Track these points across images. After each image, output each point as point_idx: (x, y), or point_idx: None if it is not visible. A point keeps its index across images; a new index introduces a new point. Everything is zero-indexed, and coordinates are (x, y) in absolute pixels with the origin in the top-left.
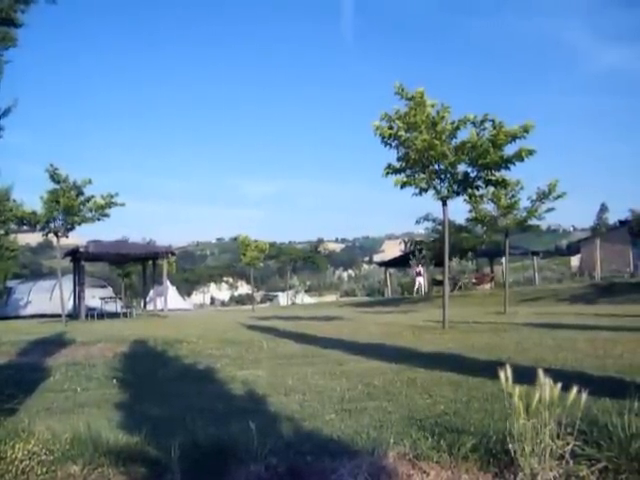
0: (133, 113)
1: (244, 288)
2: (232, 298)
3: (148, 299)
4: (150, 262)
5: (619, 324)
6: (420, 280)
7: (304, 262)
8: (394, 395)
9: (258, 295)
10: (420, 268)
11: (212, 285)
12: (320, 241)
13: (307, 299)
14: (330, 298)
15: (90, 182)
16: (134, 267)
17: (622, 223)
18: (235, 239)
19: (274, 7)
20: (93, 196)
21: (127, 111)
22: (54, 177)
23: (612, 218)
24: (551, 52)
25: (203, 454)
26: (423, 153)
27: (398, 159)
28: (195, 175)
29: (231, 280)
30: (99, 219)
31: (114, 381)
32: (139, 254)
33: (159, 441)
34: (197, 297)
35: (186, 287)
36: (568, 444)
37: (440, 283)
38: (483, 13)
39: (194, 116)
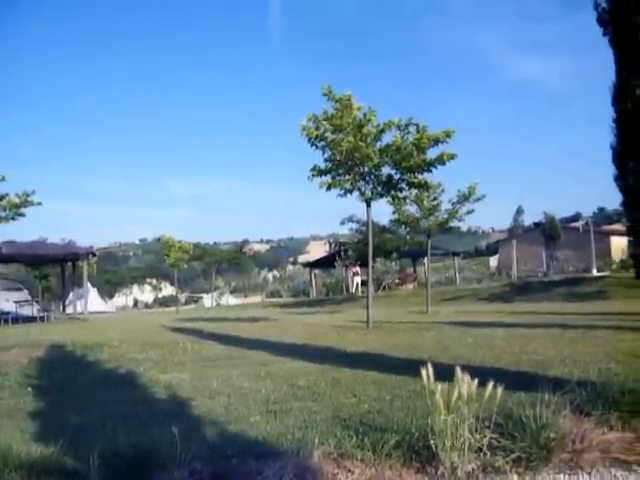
0: (53, 109)
1: (168, 290)
2: (156, 300)
3: (67, 302)
4: (69, 263)
5: (533, 321)
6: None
7: (229, 263)
8: (319, 395)
9: (182, 297)
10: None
11: (135, 287)
12: (245, 242)
13: (232, 300)
14: (255, 299)
15: (4, 179)
16: (52, 269)
17: (536, 225)
18: (159, 240)
19: (199, 6)
20: (7, 194)
21: (47, 107)
22: None
23: (527, 220)
24: (472, 58)
25: (124, 462)
26: (348, 155)
27: (325, 160)
28: (118, 174)
29: (155, 282)
30: (14, 219)
31: (29, 389)
32: (57, 255)
33: (77, 451)
34: (119, 299)
35: (108, 289)
36: (485, 437)
37: (365, 283)
38: (409, 18)
39: (117, 114)
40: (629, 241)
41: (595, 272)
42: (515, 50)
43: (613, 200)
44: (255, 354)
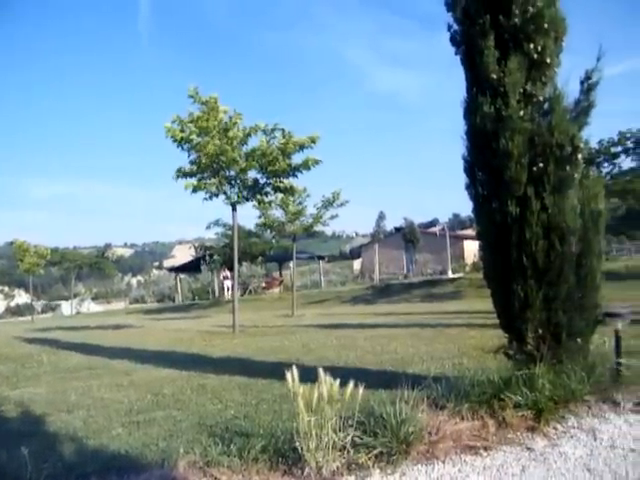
0: None
1: (22, 297)
2: (8, 309)
3: None
4: None
5: (394, 322)
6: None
7: (90, 268)
8: (184, 403)
9: (39, 305)
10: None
11: None
12: (108, 246)
13: (94, 307)
14: (118, 305)
15: None
16: None
17: (397, 230)
18: (11, 244)
19: (68, 3)
20: None
21: None
22: None
23: (389, 225)
24: (338, 69)
25: None
26: (214, 158)
27: (190, 163)
28: None
29: (7, 289)
30: None
31: None
32: None
33: None
34: None
35: None
36: (349, 435)
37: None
38: (279, 27)
39: None
40: (479, 245)
41: (450, 274)
42: (378, 63)
43: (466, 207)
44: (118, 363)
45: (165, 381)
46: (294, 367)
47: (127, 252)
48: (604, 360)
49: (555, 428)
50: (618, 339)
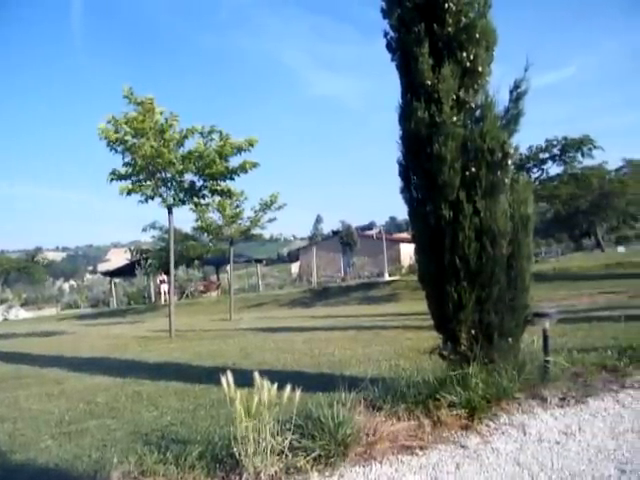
0: None
1: None
2: None
3: None
4: None
5: (332, 324)
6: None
7: (19, 273)
8: (119, 411)
9: None
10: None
11: None
12: (38, 250)
13: (23, 314)
14: (50, 311)
15: None
16: None
17: (335, 233)
18: None
19: None
20: None
21: None
22: None
23: (326, 228)
24: (275, 73)
25: None
26: (150, 160)
27: (124, 164)
28: None
29: None
30: None
31: None
32: None
33: None
34: None
35: None
36: (287, 439)
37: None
38: (215, 28)
39: None
40: (414, 247)
41: (387, 276)
42: (314, 67)
43: (402, 210)
44: (48, 372)
45: (98, 389)
46: (229, 372)
47: (59, 256)
48: (533, 358)
49: (488, 425)
50: (546, 338)
